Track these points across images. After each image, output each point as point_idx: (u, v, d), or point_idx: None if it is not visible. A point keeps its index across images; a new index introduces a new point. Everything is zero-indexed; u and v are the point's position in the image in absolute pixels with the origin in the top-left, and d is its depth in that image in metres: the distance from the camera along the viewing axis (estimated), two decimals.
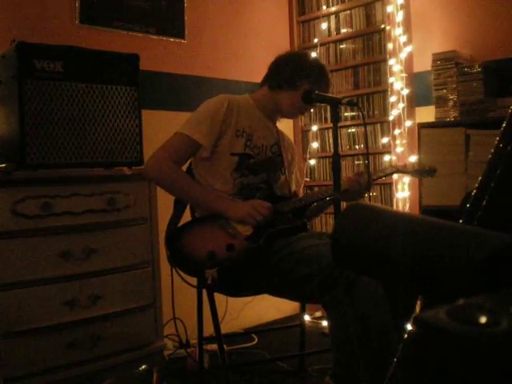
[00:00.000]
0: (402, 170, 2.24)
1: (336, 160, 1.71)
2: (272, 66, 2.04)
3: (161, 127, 2.68)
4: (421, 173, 2.20)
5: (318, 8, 3.46)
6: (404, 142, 2.99)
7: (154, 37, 2.84)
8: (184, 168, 2.00)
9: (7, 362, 1.78)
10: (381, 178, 2.20)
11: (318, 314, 3.14)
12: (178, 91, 2.92)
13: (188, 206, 2.08)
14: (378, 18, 3.18)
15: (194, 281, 1.91)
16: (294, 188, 2.19)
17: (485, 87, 2.53)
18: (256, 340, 2.85)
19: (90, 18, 2.59)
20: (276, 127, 2.12)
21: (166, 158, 1.86)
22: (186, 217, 2.07)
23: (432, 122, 2.70)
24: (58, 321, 1.89)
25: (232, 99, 1.95)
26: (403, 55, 3.00)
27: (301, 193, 2.30)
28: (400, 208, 2.98)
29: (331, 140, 3.35)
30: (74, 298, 1.93)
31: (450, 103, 2.63)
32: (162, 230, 2.13)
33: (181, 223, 2.00)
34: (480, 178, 0.78)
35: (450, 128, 2.56)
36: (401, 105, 2.99)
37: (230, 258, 1.73)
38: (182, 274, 1.85)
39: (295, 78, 1.96)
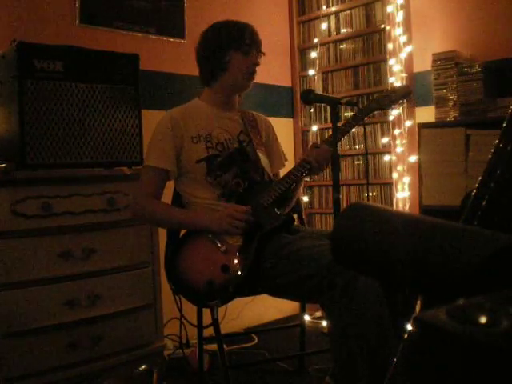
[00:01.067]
0: (369, 108, 2.00)
1: (336, 160, 1.71)
2: (197, 65, 2.03)
3: None
4: (391, 102, 2.00)
5: (318, 8, 3.46)
6: (404, 141, 2.99)
7: (153, 37, 2.84)
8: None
9: (7, 361, 1.78)
10: (347, 131, 1.96)
11: (318, 313, 3.14)
12: (178, 91, 2.92)
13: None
14: (378, 17, 3.18)
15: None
16: (276, 168, 2.14)
17: (485, 87, 2.53)
18: (256, 340, 2.85)
19: (90, 17, 2.59)
20: (240, 113, 2.07)
21: (141, 195, 1.91)
22: None
23: (432, 122, 2.70)
24: (58, 321, 1.89)
25: (175, 112, 1.96)
26: (403, 55, 3.00)
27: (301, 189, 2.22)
28: (400, 208, 2.98)
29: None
30: (74, 298, 1.93)
31: (450, 103, 2.63)
32: (161, 229, 2.13)
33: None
34: (480, 178, 0.78)
35: (450, 128, 2.56)
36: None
37: (227, 282, 1.73)
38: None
39: (220, 59, 1.94)
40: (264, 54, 2.00)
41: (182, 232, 1.98)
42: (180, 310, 1.97)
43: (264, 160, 2.03)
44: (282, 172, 2.06)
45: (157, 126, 1.96)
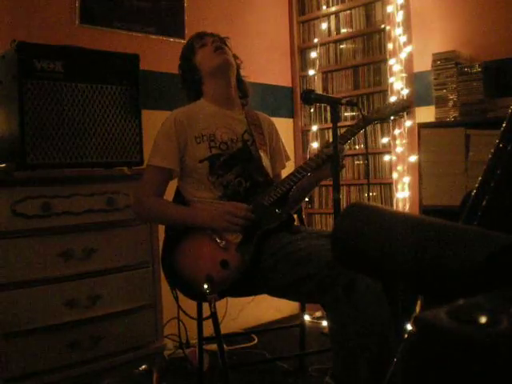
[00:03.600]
0: (370, 118, 2.06)
1: (336, 160, 1.71)
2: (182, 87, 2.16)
3: None
4: (391, 113, 2.04)
5: (318, 8, 3.46)
6: (404, 141, 2.99)
7: (153, 37, 2.84)
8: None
9: (7, 361, 1.78)
10: (349, 138, 2.00)
11: (318, 313, 3.14)
12: (178, 91, 2.92)
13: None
14: (378, 17, 3.18)
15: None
16: (278, 168, 2.15)
17: (485, 87, 2.53)
18: (256, 340, 2.85)
19: (90, 17, 2.59)
20: (244, 112, 2.08)
21: (143, 194, 1.92)
22: None
23: (432, 122, 2.70)
24: (58, 321, 1.89)
25: (179, 112, 1.98)
26: (403, 55, 3.00)
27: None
28: (400, 208, 2.98)
29: (331, 140, 3.34)
30: (74, 298, 1.93)
31: (450, 103, 2.63)
32: (161, 229, 2.13)
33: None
34: (480, 178, 0.78)
35: (450, 128, 2.56)
36: None
37: (226, 277, 1.74)
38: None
39: (192, 68, 2.06)
40: (221, 37, 2.09)
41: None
42: (178, 307, 1.96)
43: (266, 160, 2.04)
44: (286, 171, 2.06)
45: (161, 126, 1.97)
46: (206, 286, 1.74)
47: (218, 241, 1.81)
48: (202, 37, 2.07)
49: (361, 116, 2.02)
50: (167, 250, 1.93)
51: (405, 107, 2.10)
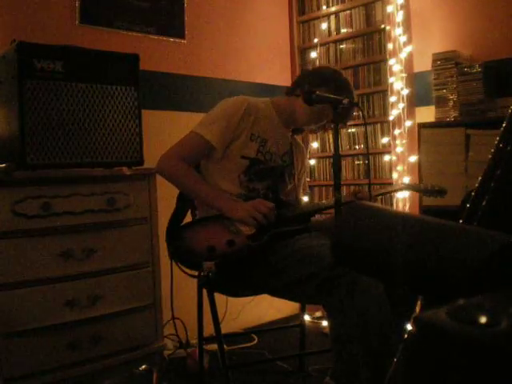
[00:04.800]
0: (413, 187, 2.25)
1: (336, 160, 1.71)
2: (298, 75, 2.09)
3: (161, 127, 2.69)
4: (431, 192, 2.14)
5: (318, 8, 3.46)
6: (404, 141, 2.99)
7: (153, 37, 2.84)
8: None
9: (7, 361, 1.78)
10: (389, 193, 2.21)
11: (318, 313, 3.14)
12: (178, 91, 2.92)
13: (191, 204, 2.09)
14: (378, 17, 3.18)
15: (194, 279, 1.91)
16: (300, 195, 2.19)
17: (485, 87, 2.53)
18: (256, 340, 2.85)
19: (90, 17, 2.59)
20: (291, 135, 2.11)
21: (177, 155, 1.89)
22: (187, 218, 2.08)
23: (432, 122, 2.70)
24: (58, 321, 1.89)
25: (251, 102, 1.94)
26: (403, 55, 3.00)
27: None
28: (400, 208, 2.98)
29: (331, 140, 3.35)
30: (74, 297, 1.93)
31: (450, 103, 2.63)
32: (162, 230, 2.13)
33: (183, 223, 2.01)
34: (480, 178, 0.78)
35: (450, 128, 2.56)
36: (401, 105, 2.99)
37: (229, 252, 1.75)
38: (183, 268, 1.88)
39: (312, 86, 1.90)
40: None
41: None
42: (180, 313, 1.96)
43: (295, 185, 2.09)
44: None
45: (227, 101, 1.94)
46: (206, 255, 1.74)
47: (230, 227, 1.82)
48: (342, 114, 1.82)
49: (404, 186, 2.18)
50: (175, 222, 1.95)
51: (440, 192, 2.12)
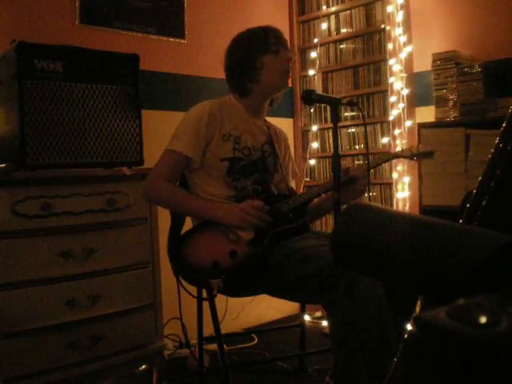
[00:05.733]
0: (400, 154, 2.15)
1: (336, 160, 1.71)
2: (227, 79, 2.01)
3: (161, 127, 2.68)
4: (418, 155, 2.08)
5: (318, 8, 3.46)
6: (404, 141, 2.99)
7: (153, 37, 2.84)
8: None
9: (7, 361, 1.78)
10: (379, 165, 2.15)
11: (318, 313, 3.14)
12: (178, 91, 2.92)
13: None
14: (378, 17, 3.18)
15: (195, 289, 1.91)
16: (290, 182, 2.16)
17: (485, 87, 2.53)
18: (256, 340, 2.85)
19: (90, 17, 2.59)
20: (266, 123, 2.08)
21: (158, 178, 1.88)
22: (187, 224, 2.07)
23: (432, 122, 2.70)
24: (58, 321, 1.89)
25: (214, 105, 1.93)
26: (403, 55, 3.00)
27: (301, 189, 2.28)
28: (400, 208, 2.98)
29: (331, 140, 3.35)
30: (74, 298, 1.93)
31: (450, 103, 2.63)
32: (161, 229, 2.13)
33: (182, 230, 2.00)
34: (480, 178, 0.78)
35: (450, 128, 2.56)
36: (401, 105, 2.99)
37: (234, 265, 1.73)
38: (186, 288, 1.88)
39: (250, 68, 1.92)
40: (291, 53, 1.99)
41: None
42: (175, 311, 1.96)
43: (282, 173, 2.06)
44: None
45: (192, 112, 1.92)
46: (211, 271, 1.72)
47: (230, 234, 1.81)
48: (277, 43, 1.94)
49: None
50: (174, 237, 1.93)
51: (428, 154, 2.07)
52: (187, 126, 1.89)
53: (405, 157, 2.11)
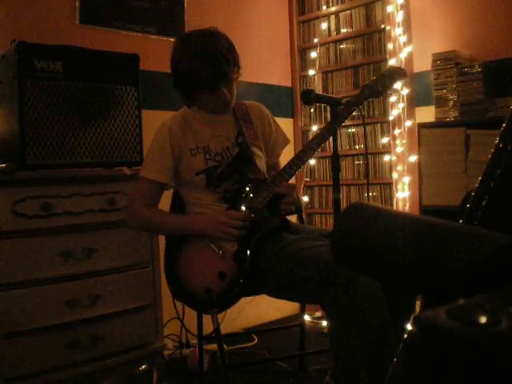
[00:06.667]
0: (362, 95, 1.92)
1: (336, 160, 1.71)
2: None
3: None
4: (390, 78, 1.88)
5: (318, 8, 3.46)
6: (404, 141, 2.99)
7: (153, 37, 2.84)
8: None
9: (7, 362, 1.78)
10: (344, 119, 1.93)
11: (318, 313, 3.14)
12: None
13: None
14: (378, 17, 3.18)
15: None
16: (275, 157, 2.10)
17: (485, 87, 2.53)
18: (256, 340, 2.85)
19: (90, 17, 2.59)
20: (234, 113, 1.98)
21: (136, 204, 1.88)
22: None
23: (432, 122, 2.70)
24: (59, 321, 1.89)
25: (173, 123, 1.90)
26: (403, 55, 3.00)
27: (300, 189, 2.17)
28: (400, 208, 2.98)
29: (331, 140, 3.34)
30: (74, 297, 1.93)
31: (450, 103, 2.63)
32: None
33: None
34: (480, 178, 0.78)
35: (450, 128, 2.56)
36: (401, 105, 2.99)
37: (225, 289, 1.75)
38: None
39: (191, 95, 1.88)
40: (236, 76, 1.87)
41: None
42: (180, 313, 1.96)
43: (259, 157, 1.98)
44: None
45: (155, 137, 1.91)
46: (205, 300, 1.75)
47: (216, 250, 1.80)
48: (211, 79, 1.78)
49: (356, 107, 1.91)
50: (168, 261, 1.92)
51: (400, 75, 1.92)
52: (153, 151, 1.88)
53: (377, 94, 1.93)
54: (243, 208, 1.83)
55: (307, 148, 1.90)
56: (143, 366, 2.28)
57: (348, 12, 3.33)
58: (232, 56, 1.83)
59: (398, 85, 3.00)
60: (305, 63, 3.56)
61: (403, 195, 2.97)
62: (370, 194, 3.14)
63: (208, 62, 1.76)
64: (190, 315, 2.07)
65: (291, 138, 3.50)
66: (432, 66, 2.70)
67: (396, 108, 3.00)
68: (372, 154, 3.19)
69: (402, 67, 1.90)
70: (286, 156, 2.26)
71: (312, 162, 3.45)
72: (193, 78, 1.79)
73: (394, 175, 3.02)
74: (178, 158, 1.87)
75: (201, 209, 1.90)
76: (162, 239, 2.10)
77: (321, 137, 1.87)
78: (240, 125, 1.97)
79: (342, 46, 3.38)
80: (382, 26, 3.12)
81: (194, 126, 1.92)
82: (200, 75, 1.77)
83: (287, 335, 2.79)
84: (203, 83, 1.79)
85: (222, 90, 1.82)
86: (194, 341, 2.41)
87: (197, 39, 1.82)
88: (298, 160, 1.86)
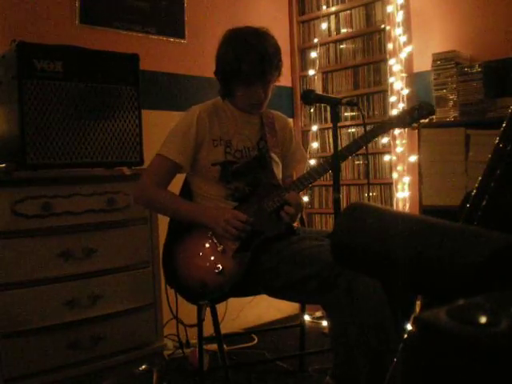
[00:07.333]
0: (397, 123, 1.96)
1: (336, 160, 1.71)
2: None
3: (161, 127, 2.68)
4: (419, 115, 1.90)
5: (318, 8, 3.46)
6: (404, 141, 2.99)
7: (153, 37, 2.84)
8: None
9: (7, 362, 1.78)
10: (375, 137, 1.99)
11: (318, 313, 3.14)
12: (178, 91, 2.92)
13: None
14: (378, 17, 3.18)
15: None
16: (290, 169, 2.12)
17: (485, 87, 2.53)
18: (256, 340, 2.85)
19: (90, 17, 2.59)
20: (265, 115, 2.03)
21: (148, 182, 1.89)
22: None
23: (432, 122, 2.70)
24: (59, 321, 1.89)
25: (203, 110, 1.91)
26: (403, 55, 3.00)
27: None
28: (400, 208, 2.98)
29: (331, 140, 3.35)
30: (74, 297, 1.93)
31: (450, 103, 2.63)
32: (161, 229, 2.13)
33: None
34: (480, 178, 0.78)
35: (450, 128, 2.56)
36: (401, 105, 2.99)
37: (221, 284, 1.76)
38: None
39: (228, 86, 1.91)
40: (274, 81, 1.90)
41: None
42: (174, 311, 1.97)
43: (276, 164, 2.01)
44: None
45: (183, 118, 1.92)
46: (199, 292, 1.76)
47: (217, 244, 1.81)
48: (250, 74, 1.82)
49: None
50: (168, 248, 1.92)
51: (429, 111, 1.93)
52: (177, 131, 1.90)
53: (404, 125, 2.00)
54: (250, 211, 1.84)
55: (325, 163, 1.92)
56: (143, 366, 2.28)
57: (348, 12, 3.33)
58: (276, 60, 1.88)
59: (398, 85, 3.00)
60: (305, 63, 3.56)
61: (403, 195, 2.97)
62: (370, 194, 3.14)
63: (252, 58, 1.80)
64: (190, 315, 2.07)
65: None
66: (432, 66, 2.70)
67: (396, 108, 3.00)
68: (372, 154, 3.19)
69: (433, 104, 1.88)
70: None
71: (312, 162, 3.45)
72: (233, 70, 1.83)
73: (394, 175, 3.02)
74: (199, 145, 1.89)
75: (208, 203, 1.91)
76: (161, 239, 2.10)
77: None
78: (264, 130, 2.00)
79: (341, 46, 3.38)
80: (382, 26, 3.12)
81: (222, 118, 1.95)
82: (241, 68, 1.81)
83: (287, 335, 2.79)
84: (241, 77, 1.83)
85: (258, 89, 1.86)
86: (193, 341, 2.41)
87: (248, 34, 1.87)
88: (315, 173, 1.89)
